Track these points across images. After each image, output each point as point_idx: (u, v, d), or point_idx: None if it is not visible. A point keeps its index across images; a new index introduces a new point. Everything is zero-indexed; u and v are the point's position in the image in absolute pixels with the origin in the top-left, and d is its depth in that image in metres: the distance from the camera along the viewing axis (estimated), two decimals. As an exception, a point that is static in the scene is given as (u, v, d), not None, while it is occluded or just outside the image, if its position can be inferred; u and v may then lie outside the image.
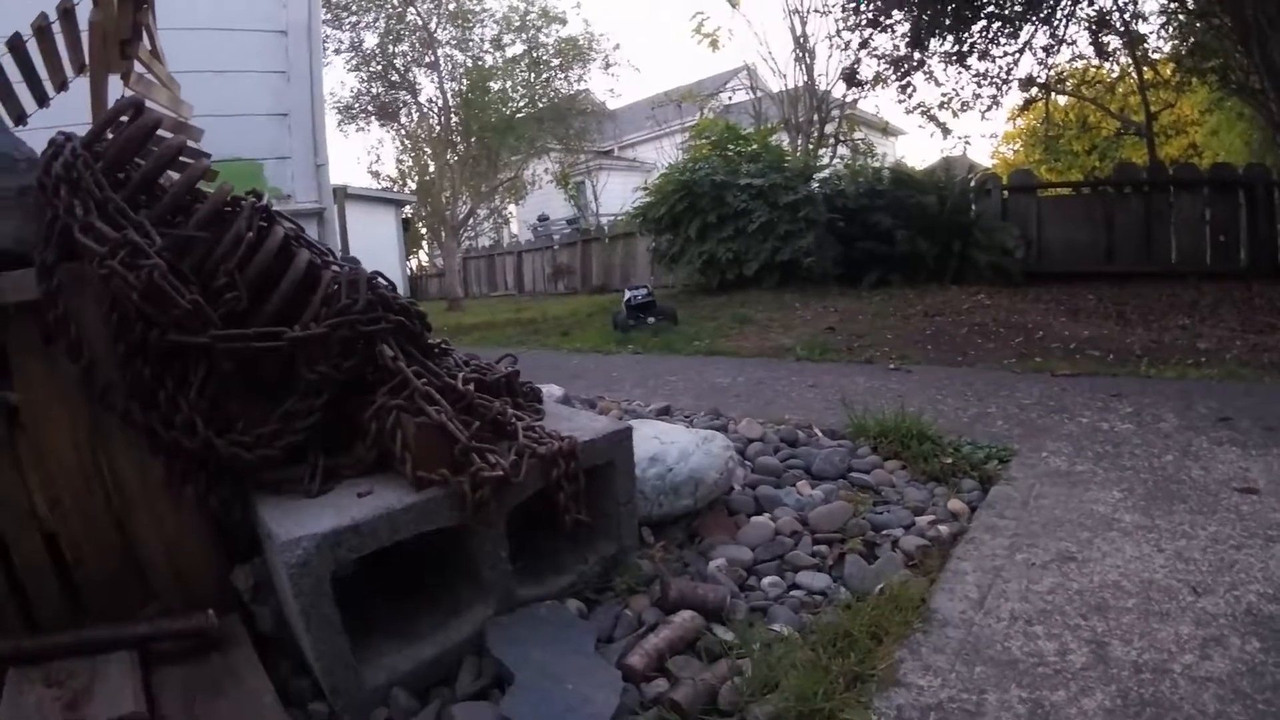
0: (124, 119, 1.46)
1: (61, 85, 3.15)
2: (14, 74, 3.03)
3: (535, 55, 15.95)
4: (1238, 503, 2.04)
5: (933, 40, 9.20)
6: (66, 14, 2.88)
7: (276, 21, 4.78)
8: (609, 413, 2.99)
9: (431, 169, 16.37)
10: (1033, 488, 2.25)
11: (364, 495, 1.30)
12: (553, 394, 2.06)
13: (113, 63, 2.97)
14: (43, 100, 3.12)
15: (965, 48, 9.33)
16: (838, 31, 10.41)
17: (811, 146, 11.47)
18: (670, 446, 1.80)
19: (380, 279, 1.48)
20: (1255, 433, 2.71)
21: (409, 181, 18.36)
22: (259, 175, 4.74)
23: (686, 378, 4.56)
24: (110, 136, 1.45)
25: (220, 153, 4.24)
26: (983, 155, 20.72)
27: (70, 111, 3.22)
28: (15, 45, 2.93)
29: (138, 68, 3.21)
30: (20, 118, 3.17)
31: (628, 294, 7.29)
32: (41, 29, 2.89)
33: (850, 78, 10.13)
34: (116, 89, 3.31)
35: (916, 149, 46.37)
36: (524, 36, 15.87)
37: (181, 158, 3.69)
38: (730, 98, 15.64)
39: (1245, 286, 6.71)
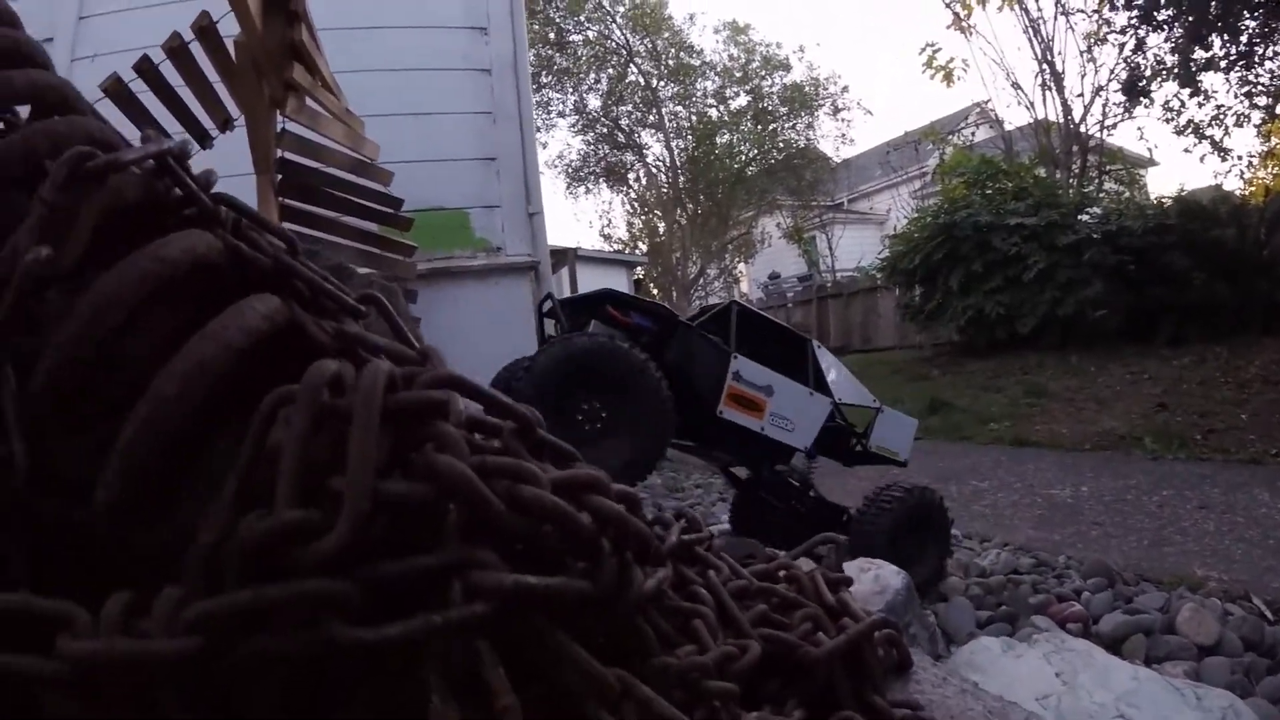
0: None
1: (225, 123, 2.74)
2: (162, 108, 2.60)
3: (760, 105, 15.66)
4: None
5: (1214, 38, 7.64)
6: (204, 33, 2.41)
7: (479, 59, 4.39)
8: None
9: (661, 230, 16.71)
10: None
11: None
12: (890, 586, 1.40)
13: (273, 94, 2.53)
14: (204, 140, 2.75)
15: (1245, 48, 7.68)
16: (1102, 36, 9.07)
17: (1073, 180, 10.03)
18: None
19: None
20: None
21: (640, 244, 18.99)
22: (465, 225, 4.33)
23: (1001, 483, 3.52)
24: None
25: (420, 201, 3.87)
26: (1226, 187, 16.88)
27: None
28: (144, 69, 2.47)
29: (309, 103, 2.75)
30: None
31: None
32: (175, 50, 2.46)
33: (1131, 87, 8.67)
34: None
35: (1168, 183, 38.86)
36: (747, 87, 15.69)
37: (372, 203, 3.07)
38: (974, 134, 14.34)
39: None
